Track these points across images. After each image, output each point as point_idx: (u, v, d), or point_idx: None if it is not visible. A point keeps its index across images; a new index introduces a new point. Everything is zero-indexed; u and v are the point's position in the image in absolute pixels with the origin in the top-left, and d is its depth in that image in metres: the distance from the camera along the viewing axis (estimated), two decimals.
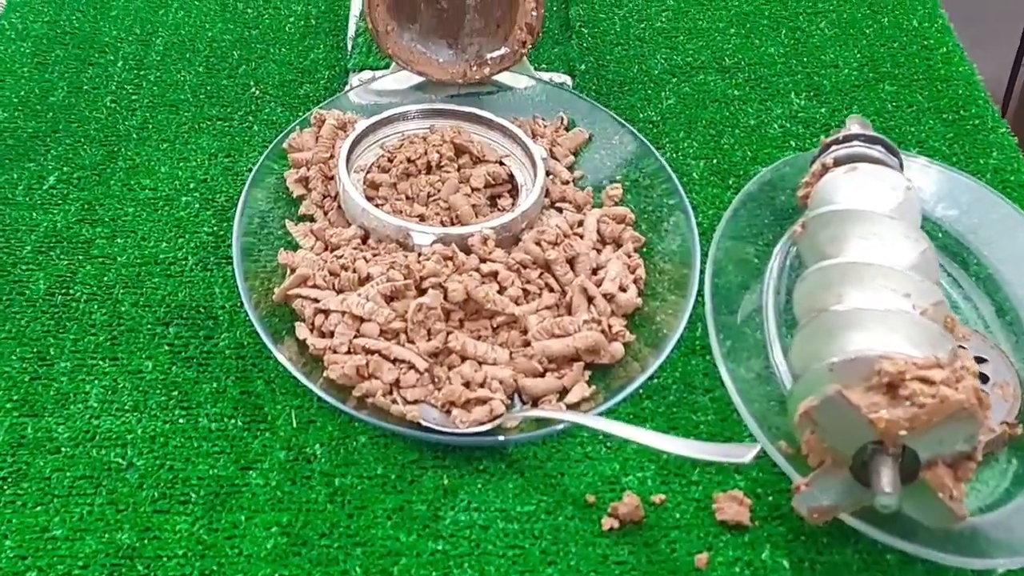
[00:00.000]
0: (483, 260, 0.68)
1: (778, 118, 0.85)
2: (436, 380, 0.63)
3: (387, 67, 0.83)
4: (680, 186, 0.75)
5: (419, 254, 0.67)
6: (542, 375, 0.64)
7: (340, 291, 0.66)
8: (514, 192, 0.75)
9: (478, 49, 0.81)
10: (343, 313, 0.65)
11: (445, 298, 0.65)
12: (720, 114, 0.85)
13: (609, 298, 0.68)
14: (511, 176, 0.76)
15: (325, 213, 0.74)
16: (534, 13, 0.75)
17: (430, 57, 0.81)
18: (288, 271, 0.69)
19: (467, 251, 0.68)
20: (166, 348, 0.67)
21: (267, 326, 0.66)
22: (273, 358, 0.65)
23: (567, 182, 0.77)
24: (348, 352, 0.64)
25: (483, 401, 0.62)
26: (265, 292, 0.68)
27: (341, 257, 0.68)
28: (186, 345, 0.67)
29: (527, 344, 0.65)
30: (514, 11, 0.78)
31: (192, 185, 0.78)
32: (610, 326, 0.67)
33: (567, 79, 0.86)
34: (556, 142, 0.79)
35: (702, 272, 0.69)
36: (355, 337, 0.64)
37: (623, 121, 0.81)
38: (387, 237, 0.69)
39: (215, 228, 0.75)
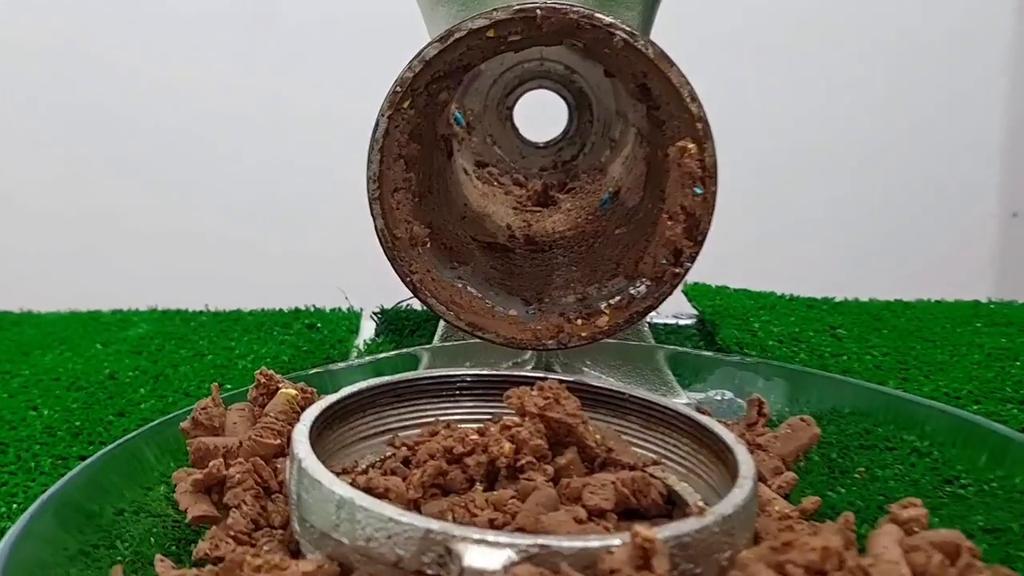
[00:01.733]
0: None
1: None
2: None
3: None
4: None
5: None
6: None
7: None
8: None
9: (580, 299, 0.51)
10: None
11: None
12: None
13: None
14: (669, 493, 0.41)
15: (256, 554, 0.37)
16: (697, 190, 0.47)
17: (492, 307, 0.50)
18: None
19: None
20: None
21: None
22: None
23: (788, 516, 0.41)
24: None
25: None
26: None
27: None
28: None
29: None
30: (653, 229, 0.49)
31: None
32: None
33: (729, 394, 0.55)
34: (758, 446, 0.45)
35: None
36: None
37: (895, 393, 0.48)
38: (395, 564, 0.33)
39: None
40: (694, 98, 0.45)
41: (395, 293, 0.72)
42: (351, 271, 0.76)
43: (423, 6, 0.59)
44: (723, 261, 0.76)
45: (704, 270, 0.72)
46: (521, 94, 0.73)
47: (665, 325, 0.71)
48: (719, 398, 0.55)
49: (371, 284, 0.68)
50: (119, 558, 0.39)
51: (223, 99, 0.98)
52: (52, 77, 0.99)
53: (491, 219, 0.61)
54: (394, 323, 0.71)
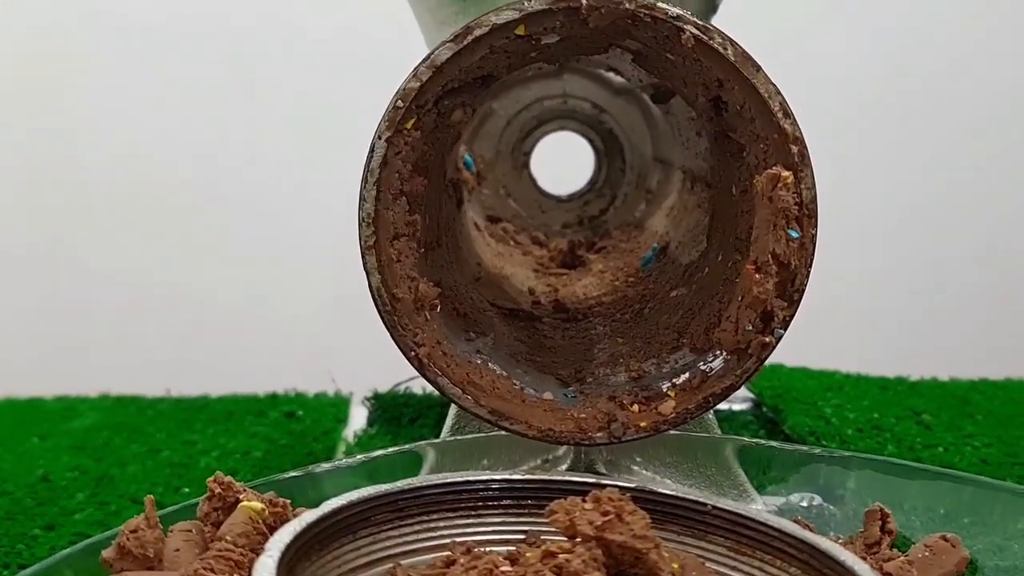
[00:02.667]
0: None
1: None
2: None
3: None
4: None
5: None
6: None
7: None
8: None
9: (635, 377, 0.40)
10: None
11: None
12: None
13: None
14: None
15: None
16: (793, 233, 0.36)
17: (521, 389, 0.40)
18: None
19: None
20: None
21: None
22: None
23: None
24: None
25: None
26: None
27: None
28: None
29: None
30: (728, 287, 0.39)
31: None
32: None
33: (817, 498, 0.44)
34: (888, 575, 0.34)
35: None
36: None
37: None
38: None
39: None
40: (787, 113, 0.35)
41: (391, 374, 0.62)
42: (339, 348, 0.66)
43: (426, 24, 0.50)
44: None
45: None
46: (539, 138, 0.63)
47: (715, 411, 0.60)
48: (804, 504, 0.44)
49: (362, 364, 0.58)
50: None
51: (190, 156, 0.88)
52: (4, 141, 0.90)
53: (509, 282, 0.51)
54: (390, 410, 0.60)
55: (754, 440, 0.49)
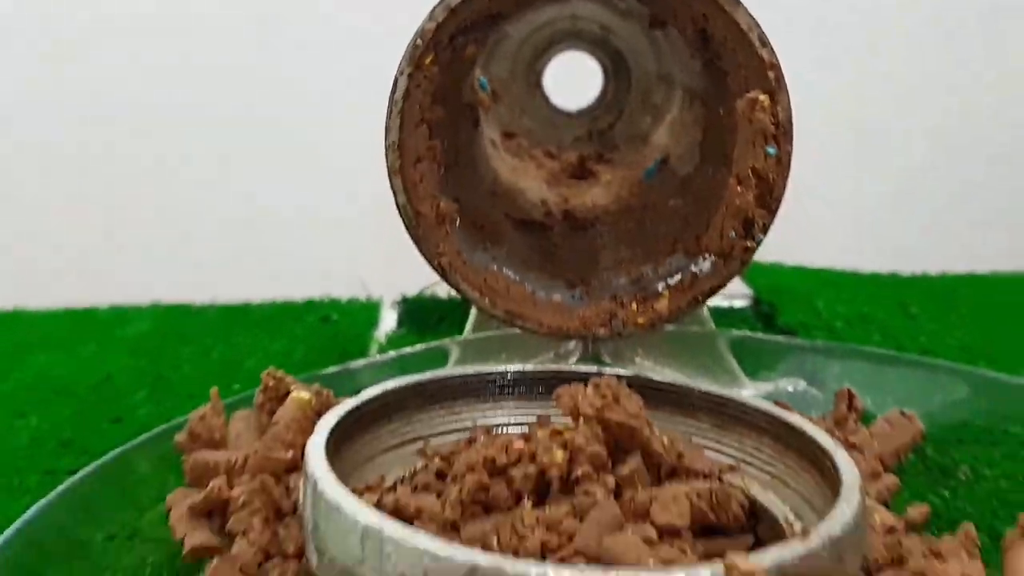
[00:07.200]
0: None
1: None
2: None
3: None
4: None
5: None
6: None
7: None
8: (762, 541, 0.34)
9: (634, 280, 0.45)
10: None
11: None
12: None
13: None
14: (752, 505, 0.36)
15: None
16: (770, 150, 0.41)
17: (532, 292, 0.45)
18: None
19: None
20: None
21: None
22: None
23: (893, 529, 0.36)
24: None
25: None
26: None
27: None
28: None
29: None
30: (716, 197, 0.44)
31: None
32: None
33: (802, 384, 0.50)
34: (852, 446, 0.39)
35: None
36: None
37: None
38: None
39: None
40: (764, 42, 0.39)
41: (417, 279, 0.67)
42: (370, 256, 0.71)
43: None
44: (772, 234, 0.70)
45: None
46: (551, 57, 0.67)
47: (716, 308, 0.65)
48: (791, 389, 0.49)
49: (392, 271, 0.63)
50: None
51: (227, 76, 0.91)
52: (52, 73, 0.92)
53: (524, 195, 0.55)
54: (418, 313, 0.66)
55: (746, 333, 0.54)
